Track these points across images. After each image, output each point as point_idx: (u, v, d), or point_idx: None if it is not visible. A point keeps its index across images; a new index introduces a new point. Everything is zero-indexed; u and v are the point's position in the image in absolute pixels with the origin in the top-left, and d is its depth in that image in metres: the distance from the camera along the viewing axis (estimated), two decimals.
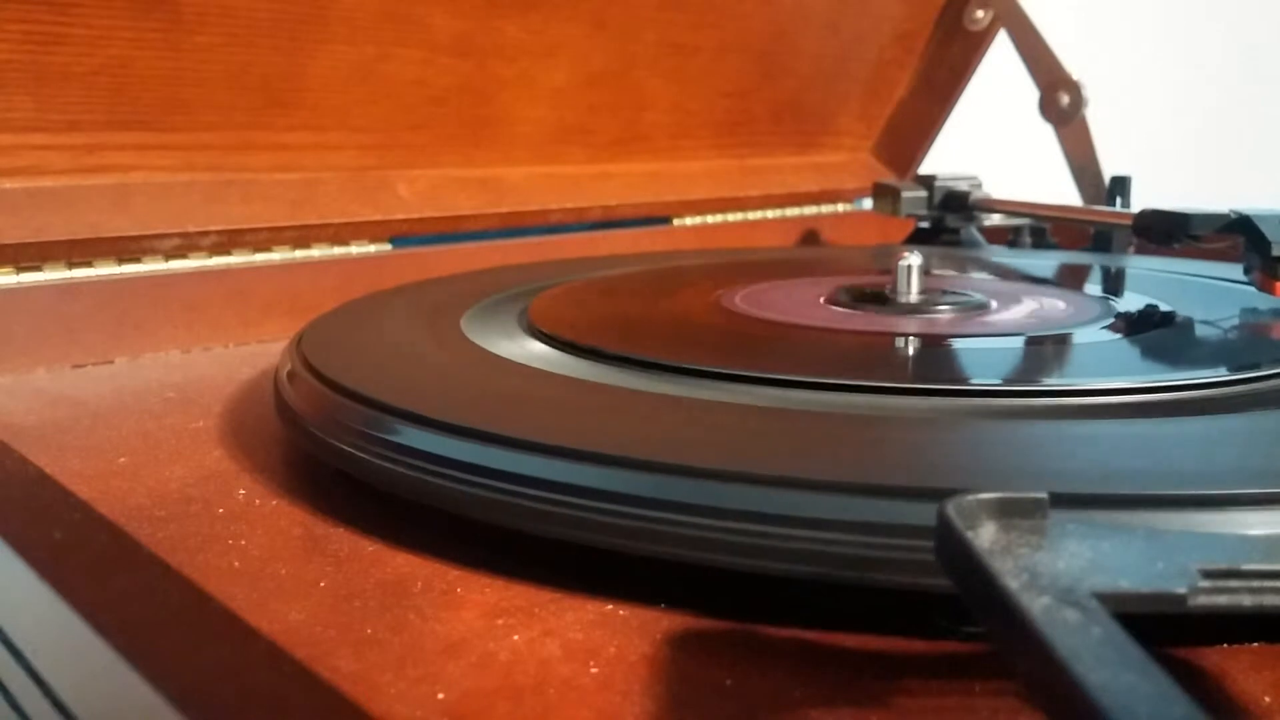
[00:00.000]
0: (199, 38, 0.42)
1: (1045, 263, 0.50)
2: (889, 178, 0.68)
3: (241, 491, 0.26)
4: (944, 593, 0.16)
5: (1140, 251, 0.52)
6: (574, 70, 0.54)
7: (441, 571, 0.21)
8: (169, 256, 0.44)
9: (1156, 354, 0.31)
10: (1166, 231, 0.38)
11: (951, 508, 0.14)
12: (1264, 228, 0.35)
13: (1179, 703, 0.10)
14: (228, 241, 0.45)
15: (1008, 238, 0.59)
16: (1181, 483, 0.18)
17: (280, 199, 0.46)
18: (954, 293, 0.37)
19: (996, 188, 0.57)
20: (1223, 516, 0.17)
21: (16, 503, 0.23)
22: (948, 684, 0.17)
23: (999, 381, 0.28)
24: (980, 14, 0.66)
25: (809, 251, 0.62)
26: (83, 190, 0.42)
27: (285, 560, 0.22)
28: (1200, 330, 0.33)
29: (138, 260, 0.43)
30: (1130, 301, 0.37)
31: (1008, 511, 0.14)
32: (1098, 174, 0.59)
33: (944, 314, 0.35)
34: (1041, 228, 0.58)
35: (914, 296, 0.36)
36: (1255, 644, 0.18)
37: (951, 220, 0.56)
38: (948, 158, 0.70)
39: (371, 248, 0.49)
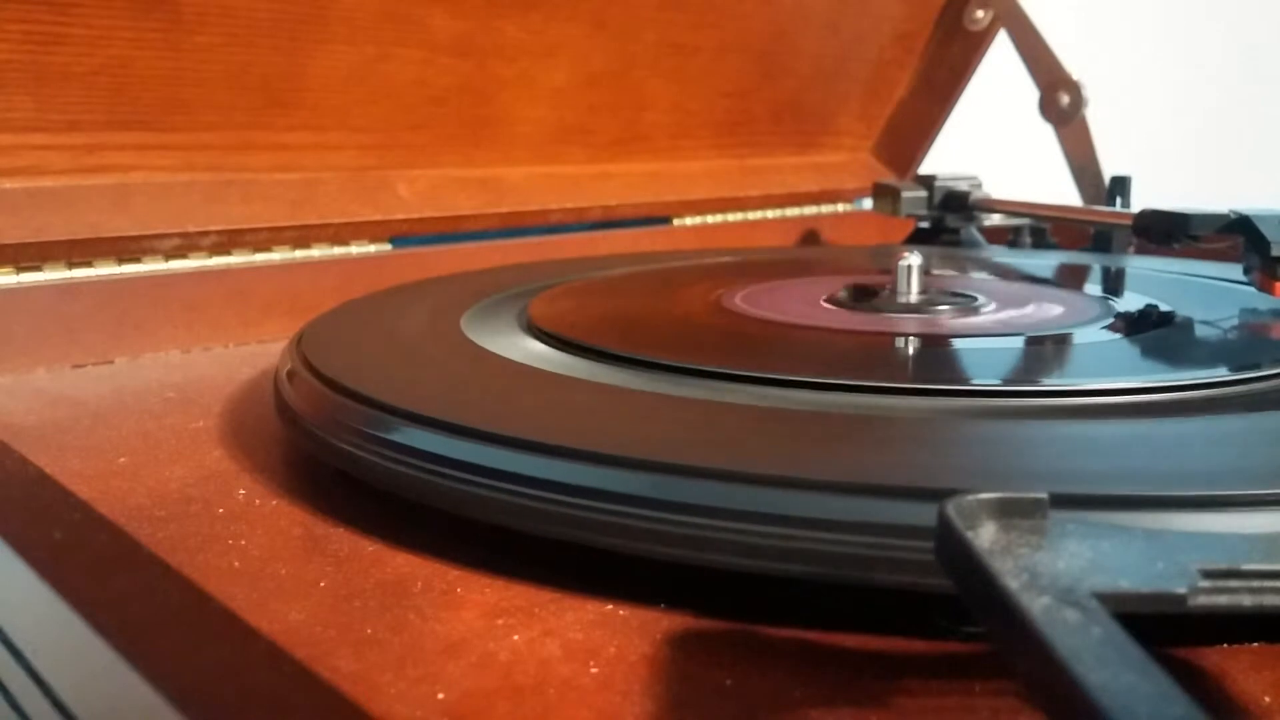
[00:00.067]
0: (199, 38, 0.42)
1: (1045, 263, 0.50)
2: (889, 178, 0.68)
3: (241, 491, 0.26)
4: (944, 593, 0.16)
5: (1140, 251, 0.52)
6: (574, 70, 0.54)
7: (441, 571, 0.21)
8: (169, 256, 0.44)
9: (1156, 354, 0.31)
10: (1166, 231, 0.38)
11: (951, 508, 0.14)
12: (1263, 228, 0.35)
13: (1179, 703, 0.10)
14: (228, 241, 0.45)
15: (1008, 238, 0.59)
16: (1181, 484, 0.18)
17: (280, 199, 0.46)
18: (954, 293, 0.37)
19: (996, 188, 0.57)
20: (1223, 518, 0.17)
21: (16, 503, 0.23)
22: (948, 684, 0.17)
23: (999, 382, 0.28)
24: (980, 14, 0.66)
25: (809, 251, 0.62)
26: (83, 190, 0.42)
27: (285, 560, 0.22)
28: (1200, 330, 0.33)
29: (138, 260, 0.43)
30: (1130, 301, 0.37)
31: (1008, 511, 0.14)
32: (1098, 174, 0.59)
33: (944, 314, 0.35)
34: (1041, 228, 0.58)
35: (914, 296, 0.36)
36: (1255, 644, 0.18)
37: (951, 220, 0.56)
38: (948, 158, 0.70)
39: (371, 248, 0.49)
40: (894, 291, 0.37)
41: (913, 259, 0.37)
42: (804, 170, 0.69)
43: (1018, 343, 0.32)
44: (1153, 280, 0.42)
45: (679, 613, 0.19)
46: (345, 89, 0.47)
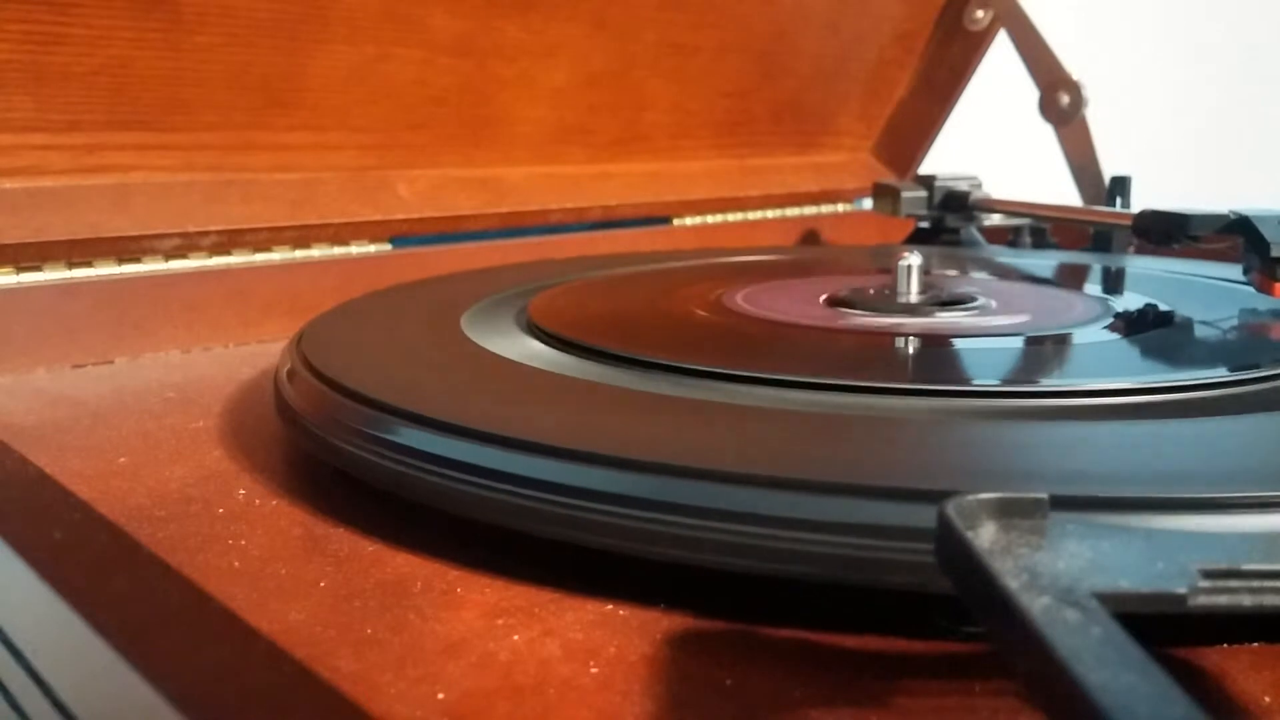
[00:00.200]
0: (199, 38, 0.42)
1: (1045, 263, 0.50)
2: (889, 178, 0.68)
3: (241, 491, 0.26)
4: (944, 594, 0.16)
5: (1140, 251, 0.52)
6: (574, 70, 0.54)
7: (441, 571, 0.21)
8: (169, 256, 0.44)
9: (1156, 354, 0.31)
10: (1166, 232, 0.38)
11: (952, 508, 0.14)
12: (1263, 228, 0.35)
13: (1179, 703, 0.10)
14: (228, 241, 0.45)
15: (1008, 238, 0.59)
16: (1182, 486, 0.18)
17: (280, 199, 0.46)
18: (953, 293, 0.37)
19: (996, 188, 0.57)
20: (1223, 520, 0.17)
21: (16, 503, 0.23)
22: (948, 684, 0.17)
23: (999, 382, 0.28)
24: (980, 14, 0.66)
25: (809, 251, 0.62)
26: (83, 190, 0.42)
27: (285, 560, 0.22)
28: (1200, 330, 0.33)
29: (138, 260, 0.43)
30: (1130, 301, 0.37)
31: (1008, 512, 0.14)
32: (1098, 174, 0.59)
33: (943, 314, 0.35)
34: (1041, 228, 0.58)
35: (914, 296, 0.36)
36: (1255, 644, 0.18)
37: (951, 220, 0.56)
38: (948, 158, 0.70)
39: (371, 248, 0.49)
40: (894, 291, 0.37)
41: (913, 259, 0.37)
42: (804, 170, 0.69)
43: (1017, 343, 0.32)
44: (1152, 280, 0.42)
45: (679, 613, 0.19)
46: (345, 89, 0.47)
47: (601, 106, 0.56)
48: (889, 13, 0.66)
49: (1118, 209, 0.55)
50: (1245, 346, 0.33)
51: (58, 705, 0.19)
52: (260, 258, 0.46)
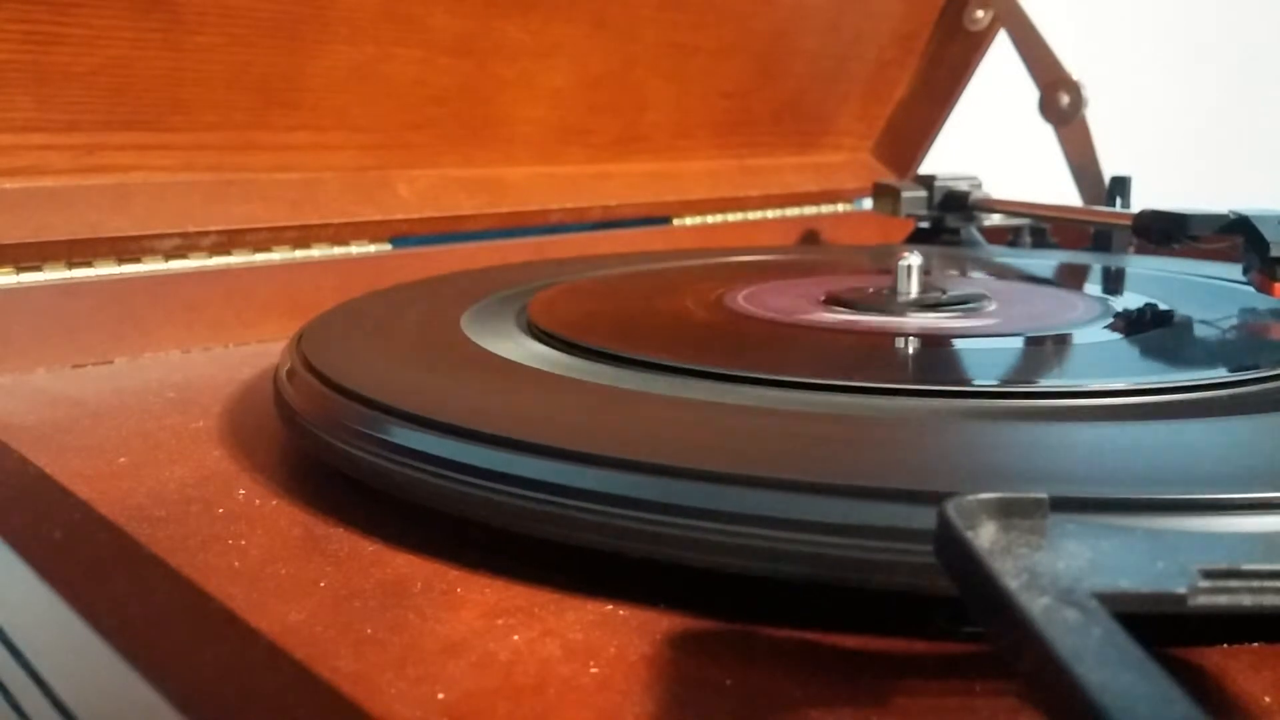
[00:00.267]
0: (199, 38, 0.42)
1: (1045, 263, 0.50)
2: (889, 178, 0.68)
3: (241, 491, 0.26)
4: (944, 595, 0.16)
5: (1140, 251, 0.52)
6: (574, 70, 0.54)
7: (441, 571, 0.21)
8: (169, 256, 0.44)
9: (1156, 354, 0.31)
10: (1166, 232, 0.38)
11: (952, 508, 0.14)
12: (1263, 228, 0.35)
13: (1179, 703, 0.10)
14: (228, 241, 0.45)
15: (1008, 238, 0.59)
16: (1182, 487, 0.18)
17: (280, 199, 0.46)
18: (953, 293, 0.37)
19: (996, 188, 0.57)
20: (1223, 521, 0.17)
21: (16, 503, 0.23)
22: (948, 684, 0.17)
23: (999, 383, 0.28)
24: (980, 14, 0.66)
25: (809, 251, 0.62)
26: (83, 190, 0.42)
27: (285, 560, 0.22)
28: (1199, 330, 0.33)
29: (138, 260, 0.43)
30: (1130, 301, 0.37)
31: (1008, 512, 0.14)
32: (1098, 174, 0.59)
33: (943, 314, 0.35)
34: (1041, 228, 0.58)
35: (914, 296, 0.36)
36: (1255, 644, 0.18)
37: (951, 220, 0.56)
38: (948, 158, 0.70)
39: (371, 248, 0.49)
40: (894, 291, 0.37)
41: (913, 259, 0.37)
42: (804, 170, 0.69)
43: (1017, 343, 0.32)
44: (1153, 280, 0.42)
45: (679, 613, 0.19)
46: (345, 89, 0.47)
47: (601, 106, 0.56)
48: (889, 13, 0.66)
49: (1118, 209, 0.55)
50: (1245, 346, 0.33)
51: (58, 705, 0.19)
52: (260, 258, 0.46)
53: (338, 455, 0.24)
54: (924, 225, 0.58)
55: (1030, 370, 0.30)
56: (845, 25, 0.64)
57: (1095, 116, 0.59)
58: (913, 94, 0.71)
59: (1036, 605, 0.12)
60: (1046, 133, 0.61)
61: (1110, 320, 0.34)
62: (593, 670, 0.17)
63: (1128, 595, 0.13)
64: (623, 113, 0.58)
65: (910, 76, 0.70)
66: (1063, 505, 0.15)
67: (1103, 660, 0.11)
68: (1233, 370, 0.27)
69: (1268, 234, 0.34)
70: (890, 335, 0.33)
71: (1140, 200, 0.49)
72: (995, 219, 0.57)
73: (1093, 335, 0.33)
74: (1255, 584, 0.14)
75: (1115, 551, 0.14)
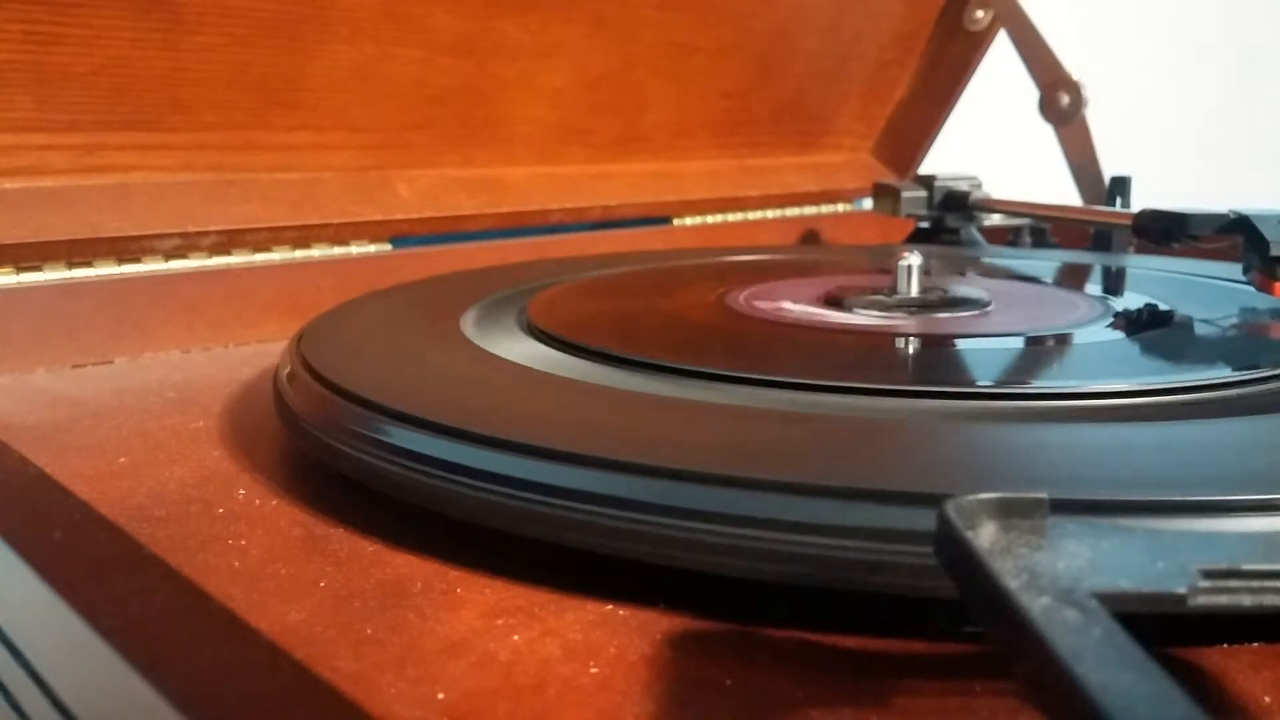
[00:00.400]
0: (199, 38, 0.42)
1: (1045, 263, 0.50)
2: (889, 178, 0.68)
3: (241, 491, 0.26)
4: (943, 596, 0.16)
5: (1140, 251, 0.52)
6: (574, 70, 0.54)
7: (441, 571, 0.21)
8: (169, 256, 0.44)
9: (1156, 355, 0.31)
10: (1165, 231, 0.38)
11: (952, 508, 0.14)
12: (1262, 228, 0.35)
13: (1179, 703, 0.10)
14: (228, 241, 0.45)
15: (1008, 238, 0.59)
16: (1182, 489, 0.18)
17: (280, 199, 0.46)
18: (953, 293, 0.37)
19: (996, 188, 0.57)
20: (1223, 523, 0.17)
21: (16, 503, 0.23)
22: (948, 684, 0.17)
23: (999, 383, 0.28)
24: (980, 14, 0.66)
25: (809, 251, 0.62)
26: (83, 190, 0.42)
27: (285, 560, 0.22)
28: (1199, 330, 0.33)
29: (138, 260, 0.43)
30: (1130, 301, 0.37)
31: (1007, 512, 0.14)
32: (1098, 174, 0.59)
33: (943, 314, 0.35)
34: (1041, 228, 0.58)
35: (914, 297, 0.36)
36: (1255, 644, 0.18)
37: (951, 220, 0.56)
38: (948, 158, 0.70)
39: (371, 248, 0.49)
40: (894, 292, 0.37)
41: (913, 259, 0.37)
42: (804, 170, 0.69)
43: (1017, 343, 0.32)
44: (1153, 280, 0.42)
45: (679, 613, 0.19)
46: (345, 89, 0.47)
47: (601, 106, 0.56)
48: (889, 13, 0.66)
49: (1118, 209, 0.55)
50: (1245, 346, 0.33)
51: (58, 705, 0.19)
52: (260, 258, 0.46)
53: (338, 457, 0.24)
54: (924, 225, 0.58)
55: (1030, 371, 0.30)
56: (845, 25, 0.64)
57: (1095, 116, 0.59)
58: (913, 94, 0.71)
59: (1036, 605, 0.12)
60: (1046, 133, 0.61)
61: (1110, 320, 0.34)
62: (593, 670, 0.17)
63: (1128, 595, 0.13)
64: (623, 113, 0.58)
65: (910, 76, 0.70)
66: (1063, 507, 0.15)
67: (1103, 660, 0.11)
68: (1233, 370, 0.27)
69: (1268, 234, 0.34)
70: (890, 336, 0.33)
71: (1140, 200, 0.49)
72: (995, 219, 0.57)
73: (1093, 335, 0.33)
74: (1255, 584, 0.14)
75: (1115, 551, 0.14)
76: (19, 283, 0.40)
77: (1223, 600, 0.13)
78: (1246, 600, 0.13)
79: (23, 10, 0.38)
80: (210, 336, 0.44)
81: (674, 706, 0.16)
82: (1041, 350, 0.31)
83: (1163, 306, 0.36)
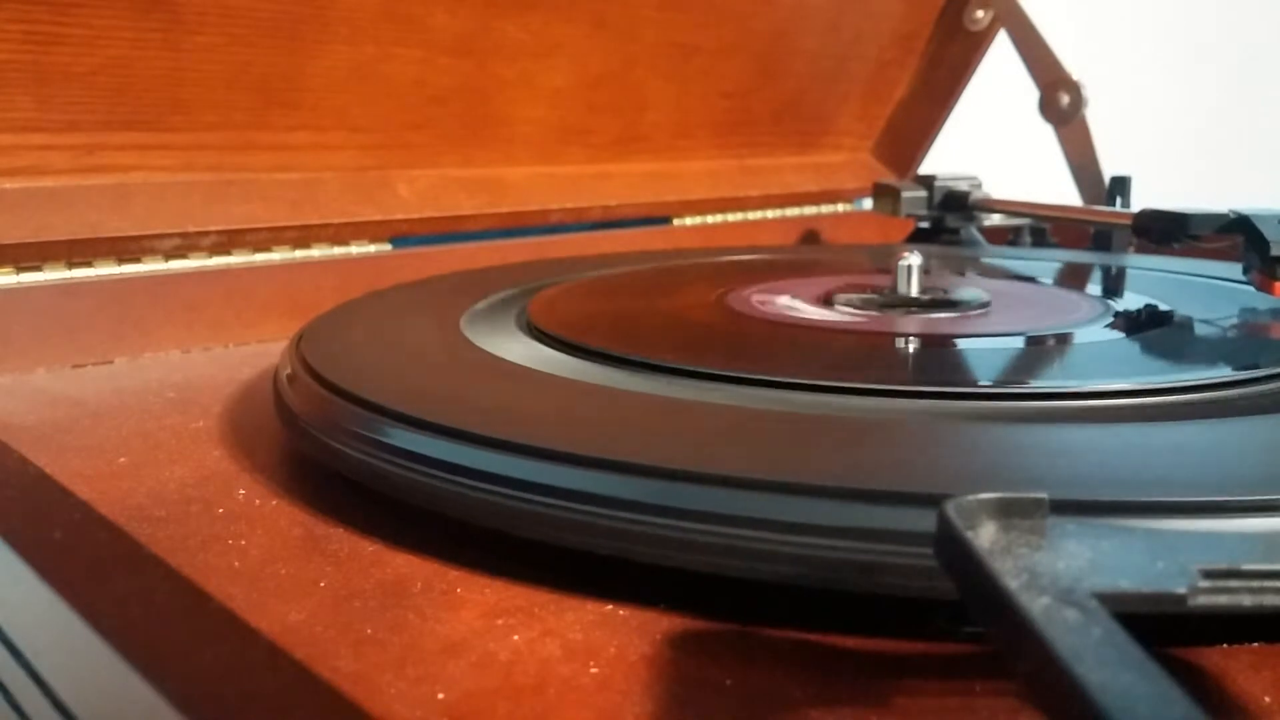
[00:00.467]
0: (199, 38, 0.42)
1: (1045, 263, 0.50)
2: (889, 178, 0.68)
3: (241, 491, 0.26)
4: (943, 597, 0.16)
5: (1140, 251, 0.52)
6: (574, 70, 0.54)
7: (441, 571, 0.21)
8: (169, 256, 0.44)
9: (1156, 355, 0.31)
10: (1166, 231, 0.38)
11: (951, 508, 0.14)
12: (1263, 228, 0.35)
13: (1179, 703, 0.10)
14: (228, 241, 0.45)
15: (1008, 238, 0.59)
16: (1182, 490, 0.18)
17: (280, 199, 0.46)
18: (953, 292, 0.37)
19: (996, 188, 0.57)
20: (1223, 523, 0.17)
21: (16, 503, 0.23)
22: (948, 684, 0.17)
23: (998, 383, 0.28)
24: (980, 14, 0.66)
25: (809, 251, 0.62)
26: (83, 190, 0.42)
27: (285, 560, 0.22)
28: (1200, 330, 0.33)
29: (138, 260, 0.43)
30: (1130, 301, 0.37)
31: (1007, 512, 0.14)
32: (1098, 174, 0.59)
33: (943, 314, 0.35)
34: (1041, 228, 0.58)
35: (914, 297, 0.36)
36: (1255, 644, 0.18)
37: (951, 220, 0.56)
38: (948, 158, 0.70)
39: (371, 248, 0.49)
40: (894, 291, 0.37)
41: (913, 259, 0.37)
42: (804, 170, 0.69)
43: (1017, 343, 0.32)
44: (1153, 280, 0.42)
45: (679, 613, 0.19)
46: (345, 89, 0.47)
47: (601, 106, 0.56)
48: (889, 13, 0.66)
49: (1118, 209, 0.55)
50: (1245, 346, 0.33)
51: (58, 705, 0.19)
52: (260, 258, 0.46)
53: (338, 458, 0.24)
54: (924, 225, 0.58)
55: (1030, 371, 0.30)
56: (845, 25, 0.64)
57: (1095, 116, 0.59)
58: (913, 94, 0.71)
59: (1036, 605, 0.12)
60: (1046, 133, 0.61)
61: (1110, 320, 0.34)
62: (593, 670, 0.17)
63: (1128, 595, 0.13)
64: (623, 113, 0.58)
65: (910, 76, 0.70)
66: (1063, 507, 0.15)
67: (1103, 660, 0.11)
68: (1233, 370, 0.27)
69: (1268, 233, 0.34)
70: (890, 336, 0.33)
71: (1140, 200, 0.49)
72: (995, 219, 0.57)
73: (1093, 335, 0.33)
74: (1255, 584, 0.14)
75: (1115, 551, 0.14)
76: (19, 283, 0.40)
77: (1223, 600, 0.13)
78: (1246, 600, 0.13)
79: (23, 10, 0.38)
80: (210, 336, 0.44)
81: (674, 706, 0.16)
82: (1041, 350, 0.31)
83: (1163, 306, 0.36)
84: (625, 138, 0.59)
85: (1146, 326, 0.34)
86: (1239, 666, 0.17)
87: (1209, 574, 0.13)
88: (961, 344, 0.32)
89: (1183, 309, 0.35)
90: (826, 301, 0.37)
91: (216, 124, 0.44)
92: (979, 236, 0.57)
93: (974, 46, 0.68)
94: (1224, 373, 0.27)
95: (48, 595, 0.18)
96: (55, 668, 0.19)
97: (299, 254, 0.47)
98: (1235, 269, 0.37)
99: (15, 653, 0.21)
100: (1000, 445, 0.21)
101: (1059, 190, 0.60)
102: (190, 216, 0.44)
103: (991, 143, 0.77)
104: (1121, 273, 0.45)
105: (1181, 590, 0.13)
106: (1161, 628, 0.14)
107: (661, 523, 0.19)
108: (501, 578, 0.21)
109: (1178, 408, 0.25)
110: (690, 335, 0.34)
